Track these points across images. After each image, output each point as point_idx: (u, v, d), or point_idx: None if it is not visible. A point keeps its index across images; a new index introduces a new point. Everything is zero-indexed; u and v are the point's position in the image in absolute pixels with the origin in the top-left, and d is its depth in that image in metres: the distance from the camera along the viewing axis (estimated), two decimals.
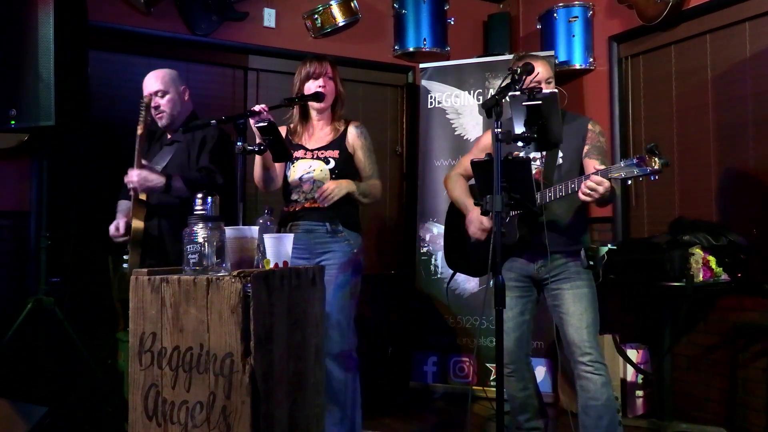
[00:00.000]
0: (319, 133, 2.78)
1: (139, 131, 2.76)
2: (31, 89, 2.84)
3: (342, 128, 2.77)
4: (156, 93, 2.89)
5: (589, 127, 2.61)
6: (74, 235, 3.53)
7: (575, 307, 2.51)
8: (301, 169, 2.72)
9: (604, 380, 2.45)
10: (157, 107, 2.89)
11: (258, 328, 1.73)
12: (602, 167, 2.36)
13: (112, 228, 2.88)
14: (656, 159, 2.11)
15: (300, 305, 1.99)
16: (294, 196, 2.73)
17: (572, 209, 2.58)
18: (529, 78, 2.50)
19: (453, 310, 4.09)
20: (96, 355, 3.18)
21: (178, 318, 1.79)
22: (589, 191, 2.24)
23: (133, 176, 2.67)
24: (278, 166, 2.73)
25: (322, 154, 2.72)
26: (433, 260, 4.19)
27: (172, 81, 2.94)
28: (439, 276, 4.17)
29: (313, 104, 2.72)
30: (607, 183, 2.22)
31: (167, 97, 2.90)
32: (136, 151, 2.72)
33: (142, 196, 2.79)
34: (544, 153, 2.58)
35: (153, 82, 2.92)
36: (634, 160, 2.16)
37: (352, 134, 2.76)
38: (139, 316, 1.85)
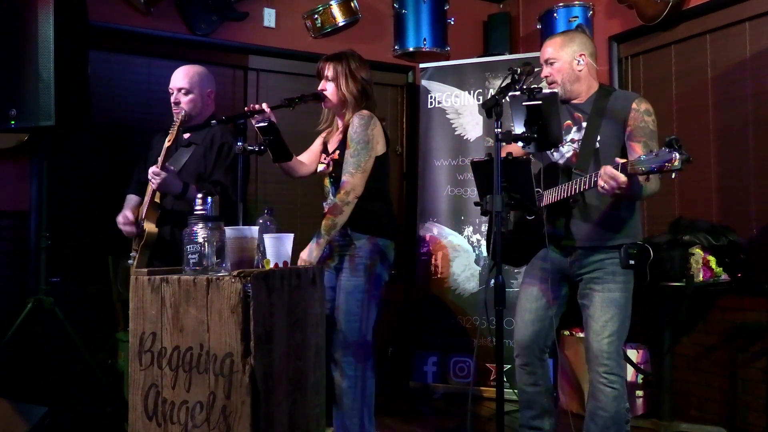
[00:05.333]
0: (337, 134, 2.76)
1: (167, 143, 2.73)
2: (31, 89, 2.84)
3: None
4: (180, 89, 2.89)
5: (633, 106, 2.36)
6: (74, 235, 3.53)
7: (601, 313, 2.37)
8: (320, 171, 2.74)
9: (617, 394, 2.35)
10: (177, 103, 2.89)
11: (258, 328, 1.73)
12: (643, 152, 2.18)
13: (119, 217, 2.90)
14: (676, 154, 1.91)
15: (300, 305, 1.99)
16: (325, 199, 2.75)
17: (608, 198, 2.33)
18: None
19: (453, 310, 4.09)
20: (96, 355, 3.18)
21: (178, 318, 1.79)
22: (602, 184, 2.09)
23: (157, 177, 2.64)
24: (306, 157, 2.78)
25: (331, 157, 2.71)
26: (433, 260, 4.19)
27: (199, 82, 2.93)
28: (439, 276, 4.17)
29: (324, 104, 2.73)
30: (622, 178, 2.04)
31: (190, 96, 2.89)
32: (162, 155, 2.72)
33: (157, 199, 2.80)
34: (581, 135, 2.42)
35: (180, 77, 2.91)
36: (653, 154, 1.98)
37: (348, 127, 2.64)
38: (139, 316, 1.85)
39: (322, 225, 2.53)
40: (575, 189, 2.26)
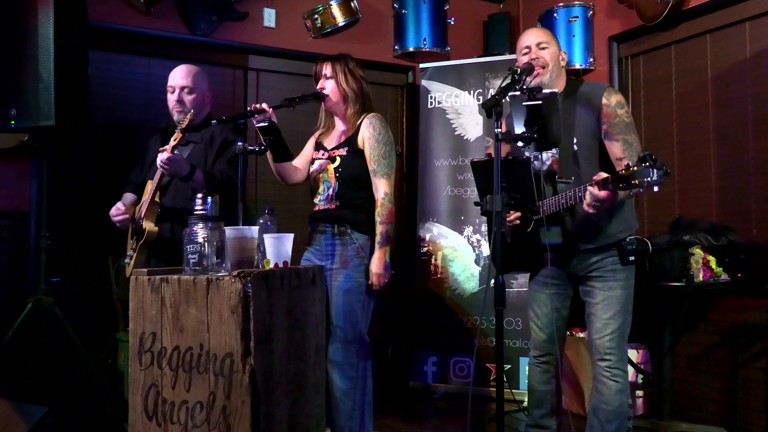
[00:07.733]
0: (337, 132, 2.77)
1: (173, 142, 2.72)
2: (31, 89, 2.83)
3: (358, 124, 2.68)
4: (183, 88, 2.89)
5: (603, 101, 2.33)
6: (74, 235, 3.53)
7: (603, 311, 2.40)
8: (315, 169, 2.73)
9: (619, 387, 2.39)
10: (180, 101, 2.88)
11: (258, 328, 1.73)
12: (622, 151, 2.25)
13: (112, 209, 2.90)
14: (654, 170, 1.84)
15: (300, 305, 1.99)
16: (314, 197, 2.74)
17: None
18: (521, 57, 2.44)
19: (453, 310, 4.09)
20: (96, 355, 3.18)
21: (178, 318, 1.79)
22: (593, 203, 2.06)
23: (165, 156, 2.63)
24: (299, 162, 2.78)
25: (334, 153, 2.69)
26: (433, 260, 4.19)
27: (201, 80, 2.95)
28: (438, 276, 4.17)
29: (325, 104, 2.74)
30: (605, 195, 2.02)
31: (194, 95, 2.90)
32: (171, 145, 2.69)
33: (157, 198, 2.80)
34: None
35: (183, 76, 2.91)
36: (634, 169, 1.88)
37: (362, 127, 2.65)
38: (139, 316, 1.85)
39: (380, 233, 2.58)
40: (563, 205, 2.25)
